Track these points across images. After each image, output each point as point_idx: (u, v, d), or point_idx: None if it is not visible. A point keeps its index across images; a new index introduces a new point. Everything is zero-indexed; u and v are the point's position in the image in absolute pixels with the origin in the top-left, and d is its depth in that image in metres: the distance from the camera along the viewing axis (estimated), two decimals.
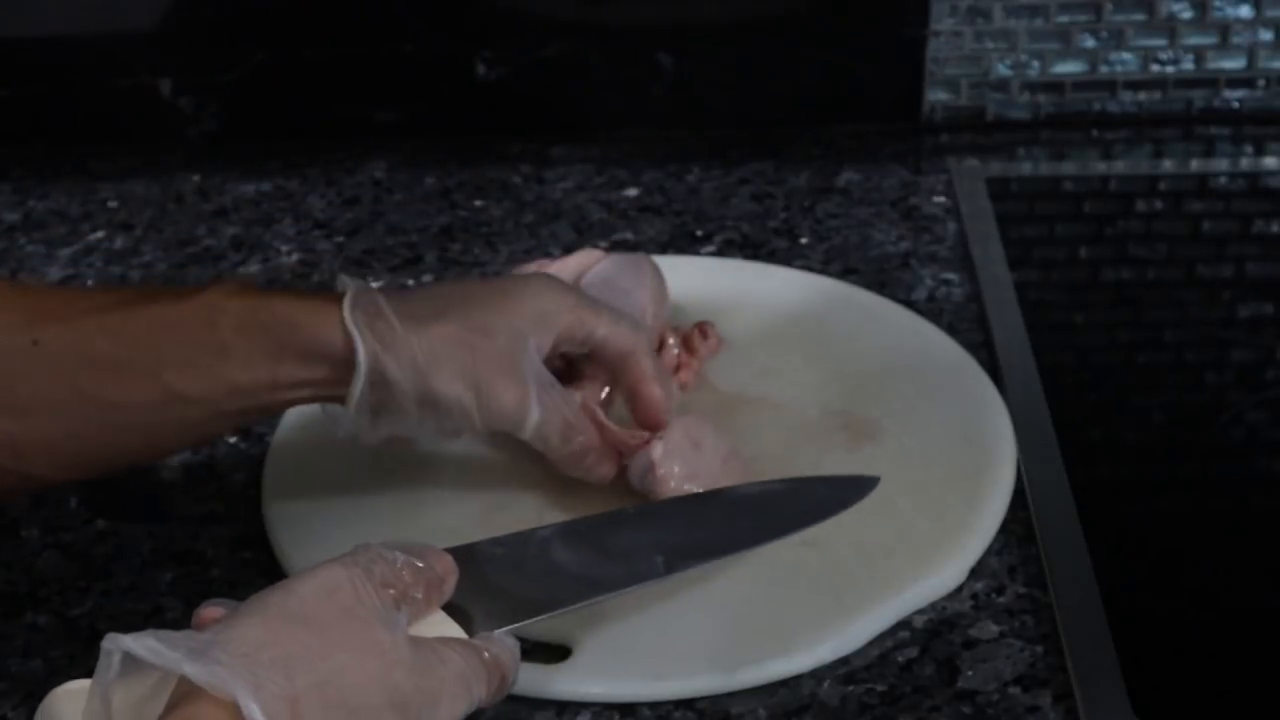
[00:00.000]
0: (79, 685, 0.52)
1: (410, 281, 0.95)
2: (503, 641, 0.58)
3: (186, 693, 0.49)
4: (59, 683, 0.65)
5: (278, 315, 0.65)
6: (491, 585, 0.61)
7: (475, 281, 0.78)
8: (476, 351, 0.67)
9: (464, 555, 0.60)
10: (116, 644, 0.50)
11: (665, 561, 0.64)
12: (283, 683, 0.49)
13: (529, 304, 0.69)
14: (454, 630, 0.58)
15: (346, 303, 0.65)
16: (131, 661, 0.50)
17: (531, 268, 0.85)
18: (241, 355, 0.64)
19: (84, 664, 0.66)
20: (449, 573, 0.59)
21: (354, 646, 0.52)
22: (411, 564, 0.56)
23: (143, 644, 0.49)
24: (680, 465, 0.70)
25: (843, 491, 0.69)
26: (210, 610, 0.54)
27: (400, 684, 0.52)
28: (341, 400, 0.66)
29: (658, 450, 0.70)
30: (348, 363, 0.65)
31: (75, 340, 0.63)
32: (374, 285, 0.70)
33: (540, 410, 0.68)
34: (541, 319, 0.69)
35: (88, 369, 0.63)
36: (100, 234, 1.03)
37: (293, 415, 0.80)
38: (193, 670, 0.48)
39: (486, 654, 0.57)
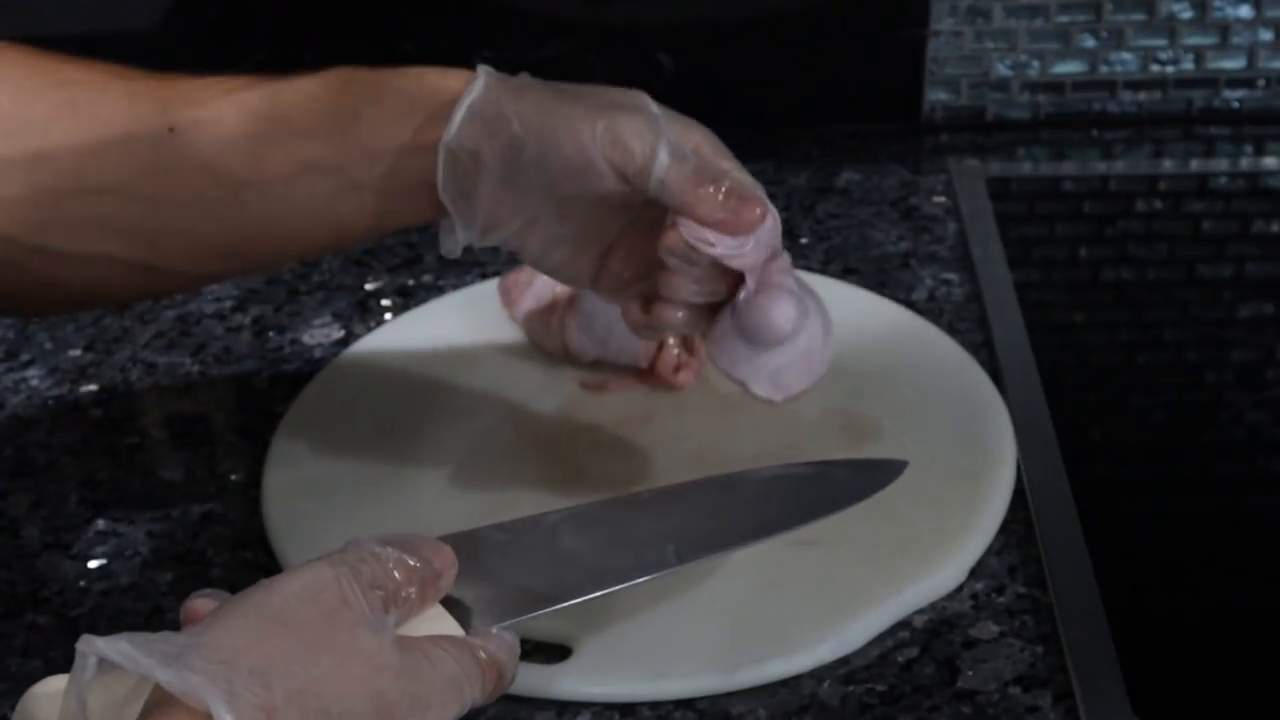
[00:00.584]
0: (56, 684, 0.51)
1: (410, 282, 0.95)
2: (501, 638, 0.56)
3: (162, 699, 0.48)
4: None
5: (407, 77, 0.64)
6: (492, 575, 0.58)
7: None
8: (607, 94, 0.65)
9: (464, 542, 0.58)
10: (90, 646, 0.49)
11: (678, 551, 0.61)
12: (259, 691, 0.47)
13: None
14: (449, 625, 0.56)
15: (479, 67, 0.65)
16: (109, 663, 0.49)
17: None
18: (372, 118, 0.64)
19: None
20: (446, 567, 0.56)
21: (337, 651, 0.50)
22: (404, 562, 0.54)
23: (116, 648, 0.48)
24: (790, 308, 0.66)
25: (869, 476, 0.66)
26: (198, 603, 0.53)
27: (385, 690, 0.51)
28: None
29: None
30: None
31: (210, 121, 0.64)
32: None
33: (670, 150, 0.63)
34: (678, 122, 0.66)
35: (223, 149, 0.64)
36: None
37: (293, 415, 0.81)
38: (166, 678, 0.47)
39: (482, 653, 0.55)
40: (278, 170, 0.64)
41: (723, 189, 0.63)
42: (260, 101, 0.64)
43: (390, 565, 0.54)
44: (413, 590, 0.55)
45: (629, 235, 0.67)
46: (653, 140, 0.63)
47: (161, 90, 0.66)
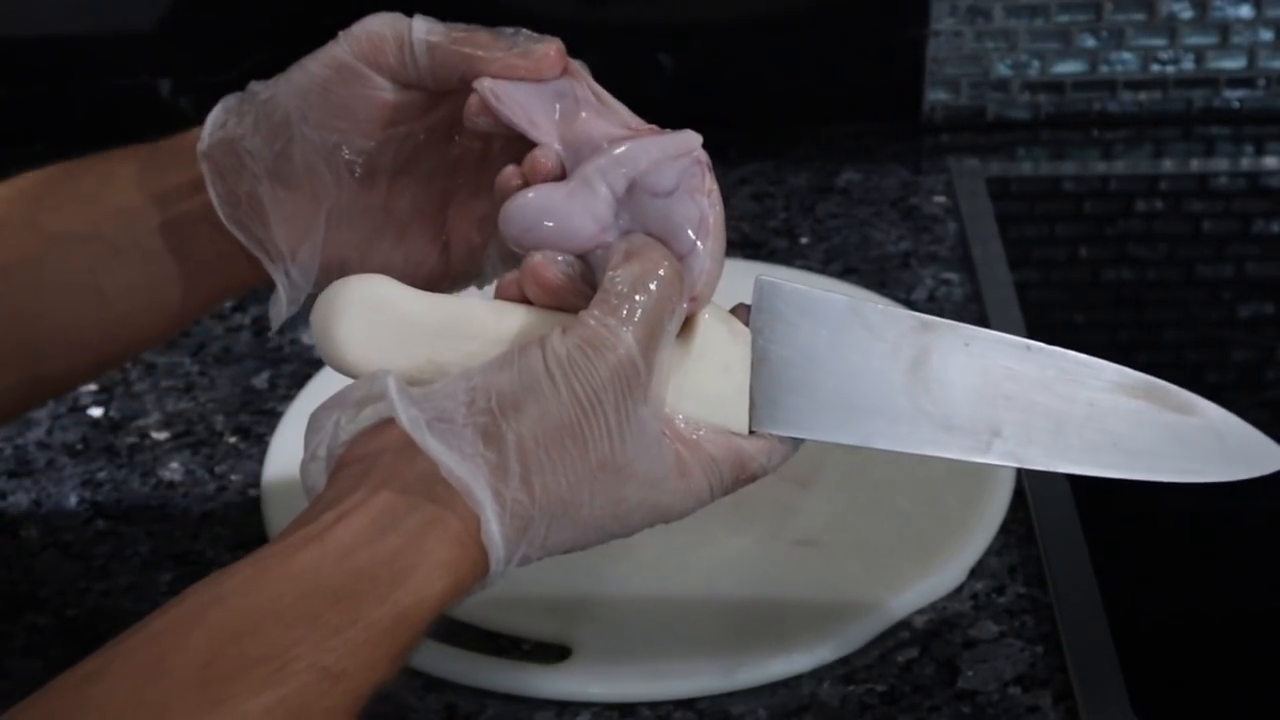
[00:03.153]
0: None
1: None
2: (776, 445, 0.54)
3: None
4: None
5: (140, 149, 0.59)
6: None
7: None
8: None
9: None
10: (379, 384, 0.48)
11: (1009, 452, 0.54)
12: (524, 500, 0.47)
13: None
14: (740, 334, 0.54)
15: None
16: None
17: None
18: (120, 179, 0.59)
19: None
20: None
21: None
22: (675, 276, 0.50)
23: (409, 413, 0.47)
24: None
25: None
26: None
27: (626, 496, 0.49)
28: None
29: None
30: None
31: None
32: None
33: (420, 18, 0.55)
34: None
35: None
36: None
37: (292, 415, 0.80)
38: (448, 463, 0.47)
39: (745, 469, 0.53)
40: (29, 252, 0.58)
41: (501, 37, 0.55)
42: (17, 185, 0.60)
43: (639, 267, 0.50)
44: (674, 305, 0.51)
45: (458, 190, 0.59)
46: (400, 22, 0.55)
47: None
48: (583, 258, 0.52)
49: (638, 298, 0.49)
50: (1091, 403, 0.54)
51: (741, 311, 0.56)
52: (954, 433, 0.54)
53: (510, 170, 0.54)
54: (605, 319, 0.49)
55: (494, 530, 0.47)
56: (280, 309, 0.58)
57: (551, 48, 0.55)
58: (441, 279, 0.60)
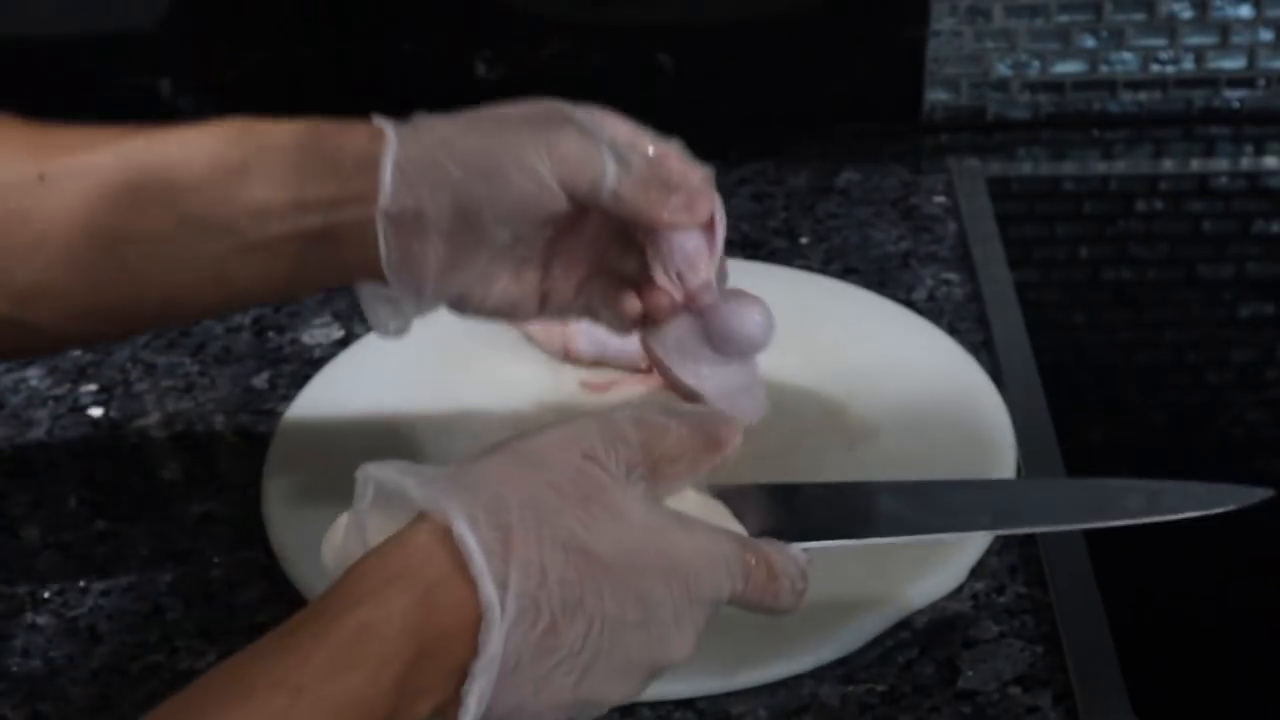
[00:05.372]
0: (345, 519, 0.53)
1: None
2: (779, 547, 0.55)
3: (416, 522, 0.49)
4: (59, 683, 0.65)
5: (300, 130, 0.61)
6: (797, 510, 0.58)
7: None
8: (532, 108, 0.61)
9: (782, 494, 0.58)
10: (365, 473, 0.51)
11: (994, 519, 0.61)
12: (499, 513, 0.48)
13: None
14: (728, 520, 0.56)
15: (374, 118, 0.61)
16: (385, 496, 0.50)
17: None
18: (261, 172, 0.59)
19: (84, 664, 0.66)
20: (729, 437, 0.55)
21: (581, 495, 0.50)
22: (673, 430, 0.54)
23: (384, 473, 0.50)
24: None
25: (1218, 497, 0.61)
26: None
27: (627, 539, 0.50)
28: (375, 243, 0.60)
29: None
30: (376, 164, 0.59)
31: (84, 170, 0.59)
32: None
33: (615, 157, 0.60)
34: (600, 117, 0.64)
35: (97, 199, 0.59)
36: None
37: (292, 415, 0.80)
38: (418, 494, 0.49)
39: (752, 551, 0.53)
40: (162, 226, 0.59)
41: (671, 188, 0.62)
42: (141, 151, 0.60)
43: (659, 430, 0.53)
44: (681, 464, 0.54)
45: (562, 247, 0.65)
46: (595, 152, 0.61)
47: (37, 137, 0.62)
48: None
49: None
50: None
51: None
52: None
53: (635, 304, 0.65)
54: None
55: (468, 536, 0.48)
56: (398, 327, 0.64)
57: (709, 203, 0.63)
58: (536, 313, 0.66)
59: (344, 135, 0.61)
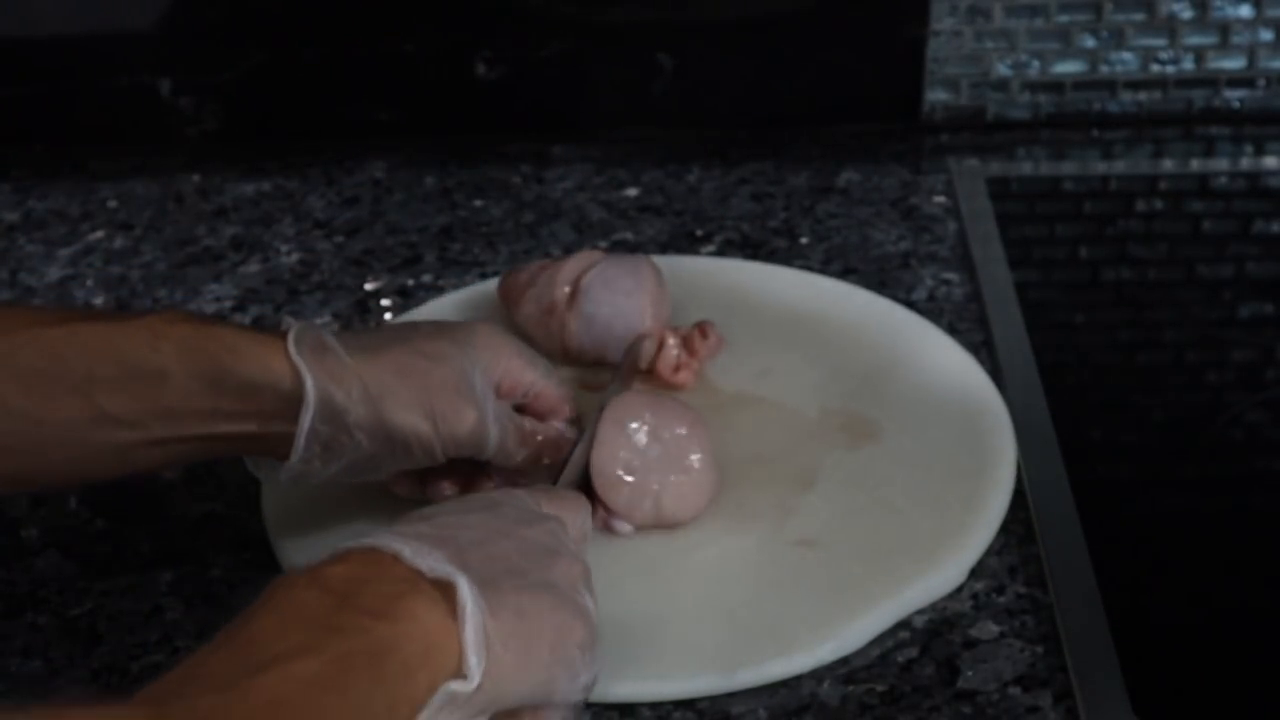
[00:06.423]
0: None
1: (410, 282, 0.95)
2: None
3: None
4: (59, 683, 0.65)
5: (221, 342, 0.63)
6: None
7: (420, 321, 0.74)
8: (429, 377, 0.66)
9: None
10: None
11: None
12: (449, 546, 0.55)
13: (476, 338, 0.69)
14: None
15: (291, 336, 0.64)
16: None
17: (532, 268, 0.85)
18: (180, 379, 0.62)
19: (84, 664, 0.66)
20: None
21: (509, 529, 0.59)
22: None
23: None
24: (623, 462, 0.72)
25: None
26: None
27: (528, 535, 0.59)
28: (283, 441, 0.64)
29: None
30: (292, 396, 0.63)
31: (5, 352, 0.61)
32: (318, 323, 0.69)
33: (498, 427, 0.68)
34: (490, 353, 0.69)
35: (15, 383, 0.61)
36: (100, 234, 1.03)
37: None
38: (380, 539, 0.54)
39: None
40: (76, 415, 0.61)
41: (537, 442, 0.72)
42: (60, 343, 0.62)
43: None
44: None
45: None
46: (480, 419, 0.67)
47: None
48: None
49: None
50: None
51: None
52: None
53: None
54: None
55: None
56: (284, 475, 0.66)
57: (564, 448, 0.73)
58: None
59: (263, 355, 0.63)
